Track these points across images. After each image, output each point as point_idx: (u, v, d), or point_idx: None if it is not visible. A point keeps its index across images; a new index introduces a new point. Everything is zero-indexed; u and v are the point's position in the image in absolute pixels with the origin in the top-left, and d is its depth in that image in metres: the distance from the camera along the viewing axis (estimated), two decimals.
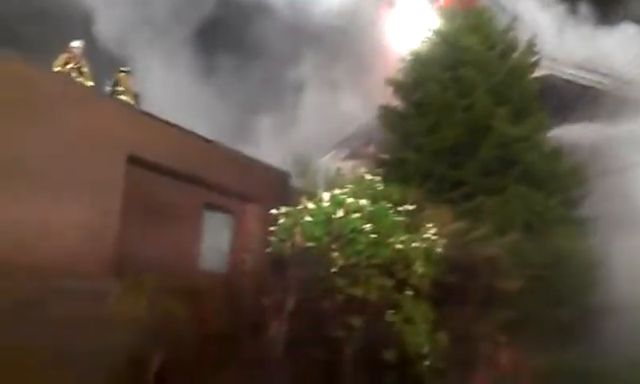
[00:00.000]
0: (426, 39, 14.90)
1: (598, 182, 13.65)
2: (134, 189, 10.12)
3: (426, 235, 8.48)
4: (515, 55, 14.30)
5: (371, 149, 21.58)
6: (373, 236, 8.09)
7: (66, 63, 9.82)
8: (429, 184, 12.43)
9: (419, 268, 8.21)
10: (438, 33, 14.71)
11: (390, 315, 8.31)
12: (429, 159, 13.27)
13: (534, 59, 13.94)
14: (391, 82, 15.38)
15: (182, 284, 8.32)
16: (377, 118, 15.61)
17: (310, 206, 8.59)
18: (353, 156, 22.24)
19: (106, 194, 9.70)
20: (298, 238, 8.58)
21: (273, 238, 9.22)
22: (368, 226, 8.07)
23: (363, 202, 8.30)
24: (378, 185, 8.95)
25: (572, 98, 15.62)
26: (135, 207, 10.13)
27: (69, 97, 9.15)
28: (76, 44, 10.15)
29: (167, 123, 11.46)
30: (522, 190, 11.91)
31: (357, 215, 8.10)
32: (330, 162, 20.87)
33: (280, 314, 8.16)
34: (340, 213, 8.19)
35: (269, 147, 17.60)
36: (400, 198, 8.98)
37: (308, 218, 8.70)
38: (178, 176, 11.27)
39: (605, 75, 16.06)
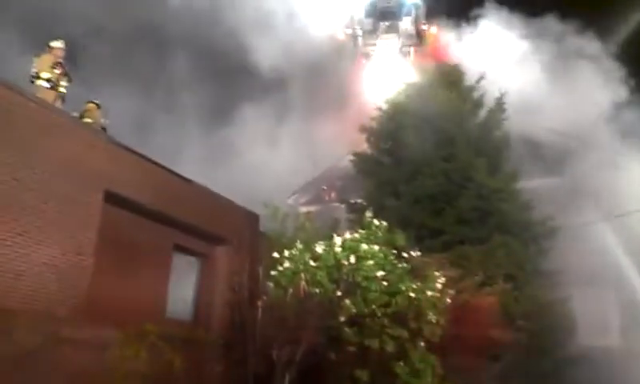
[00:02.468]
0: (401, 91, 15.32)
1: (560, 235, 14.28)
2: (108, 227, 9.39)
3: (436, 284, 8.30)
4: (484, 110, 15.01)
5: (333, 194, 21.59)
6: (385, 283, 7.81)
7: (53, 67, 8.78)
8: (409, 231, 12.44)
9: (433, 317, 7.98)
10: (413, 85, 15.20)
11: (397, 367, 7.95)
12: (408, 206, 13.38)
13: (503, 115, 14.63)
14: (365, 130, 15.59)
15: (180, 333, 7.58)
16: (352, 164, 15.65)
17: (319, 250, 8.17)
18: (315, 201, 22.14)
19: (82, 232, 8.87)
20: (303, 285, 8.10)
21: (270, 284, 8.67)
22: (380, 273, 7.78)
23: (376, 247, 8.04)
24: (381, 231, 8.73)
25: (530, 154, 16.45)
26: (107, 247, 9.37)
27: (47, 124, 8.39)
28: (58, 44, 8.96)
29: (143, 157, 10.81)
30: (506, 239, 12.21)
31: (371, 262, 7.80)
32: (292, 206, 20.62)
33: (287, 366, 7.58)
34: (352, 259, 7.85)
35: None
36: (403, 245, 8.81)
37: (312, 263, 8.29)
38: (150, 215, 10.57)
39: (561, 133, 17.22)
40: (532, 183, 15.10)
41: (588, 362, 12.41)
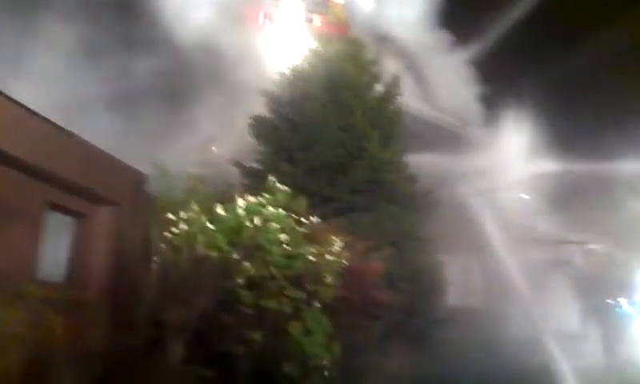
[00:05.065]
0: (304, 58, 15.31)
1: (439, 206, 15.59)
2: None
3: (334, 248, 8.62)
4: (381, 86, 15.62)
5: (227, 156, 21.13)
6: (286, 247, 7.93)
7: None
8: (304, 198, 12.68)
9: (329, 280, 8.31)
10: (315, 54, 15.25)
11: (290, 327, 8.20)
12: (304, 174, 13.57)
13: (398, 91, 15.33)
14: (265, 94, 15.40)
15: (62, 296, 7.03)
16: (249, 128, 15.39)
17: (220, 212, 8.02)
18: (205, 163, 21.50)
19: None
20: (200, 247, 7.92)
21: (163, 246, 8.35)
22: (283, 236, 7.88)
23: (282, 212, 8.09)
24: (283, 195, 8.79)
25: (419, 132, 17.59)
26: None
27: None
28: None
29: (16, 103, 9.66)
30: (392, 209, 12.97)
31: (275, 225, 7.85)
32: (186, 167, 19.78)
33: (180, 329, 7.42)
34: (258, 221, 7.83)
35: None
36: (305, 211, 8.99)
37: (210, 226, 8.12)
38: (22, 167, 9.54)
39: (450, 116, 18.64)
40: (416, 158, 16.20)
41: (455, 321, 13.88)
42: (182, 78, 18.19)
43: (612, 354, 18.14)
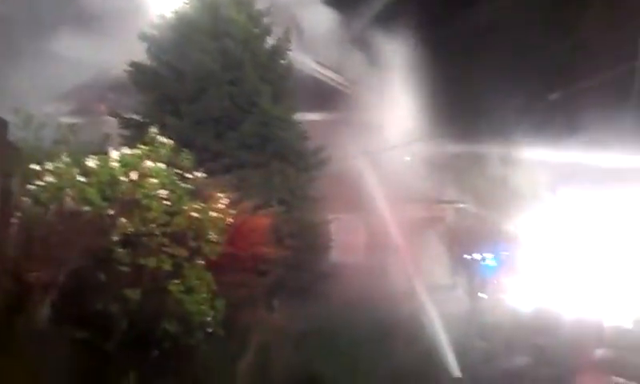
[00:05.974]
0: (189, 1, 14.35)
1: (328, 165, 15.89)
2: None
3: (219, 205, 8.39)
4: (271, 39, 15.21)
5: (103, 106, 19.48)
6: (167, 203, 7.54)
7: None
8: (190, 152, 12.16)
9: (213, 237, 8.10)
10: None
11: (170, 285, 7.92)
12: (190, 127, 12.96)
13: (289, 46, 15.05)
14: (146, 38, 14.27)
15: None
16: (128, 75, 14.20)
17: (91, 164, 7.36)
18: (80, 112, 19.65)
19: None
20: (69, 201, 7.26)
21: (26, 199, 7.53)
22: (164, 192, 7.46)
23: (162, 166, 7.62)
24: (165, 149, 8.28)
25: (305, 89, 17.55)
26: None
27: None
28: None
29: None
30: (282, 166, 12.94)
31: (154, 180, 7.38)
32: (55, 116, 17.86)
33: (47, 289, 6.81)
34: (133, 175, 7.30)
35: None
36: (190, 166, 8.60)
37: (81, 179, 7.46)
38: None
39: (335, 74, 18.82)
40: (307, 116, 16.23)
41: (338, 277, 14.46)
42: (50, 16, 16.19)
43: (476, 302, 20.38)
